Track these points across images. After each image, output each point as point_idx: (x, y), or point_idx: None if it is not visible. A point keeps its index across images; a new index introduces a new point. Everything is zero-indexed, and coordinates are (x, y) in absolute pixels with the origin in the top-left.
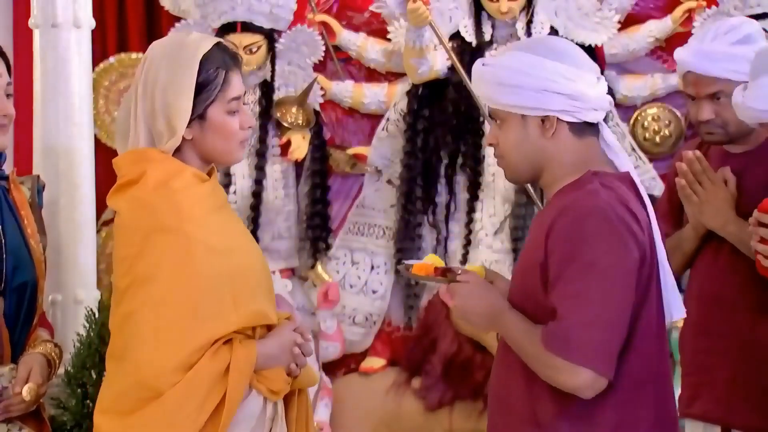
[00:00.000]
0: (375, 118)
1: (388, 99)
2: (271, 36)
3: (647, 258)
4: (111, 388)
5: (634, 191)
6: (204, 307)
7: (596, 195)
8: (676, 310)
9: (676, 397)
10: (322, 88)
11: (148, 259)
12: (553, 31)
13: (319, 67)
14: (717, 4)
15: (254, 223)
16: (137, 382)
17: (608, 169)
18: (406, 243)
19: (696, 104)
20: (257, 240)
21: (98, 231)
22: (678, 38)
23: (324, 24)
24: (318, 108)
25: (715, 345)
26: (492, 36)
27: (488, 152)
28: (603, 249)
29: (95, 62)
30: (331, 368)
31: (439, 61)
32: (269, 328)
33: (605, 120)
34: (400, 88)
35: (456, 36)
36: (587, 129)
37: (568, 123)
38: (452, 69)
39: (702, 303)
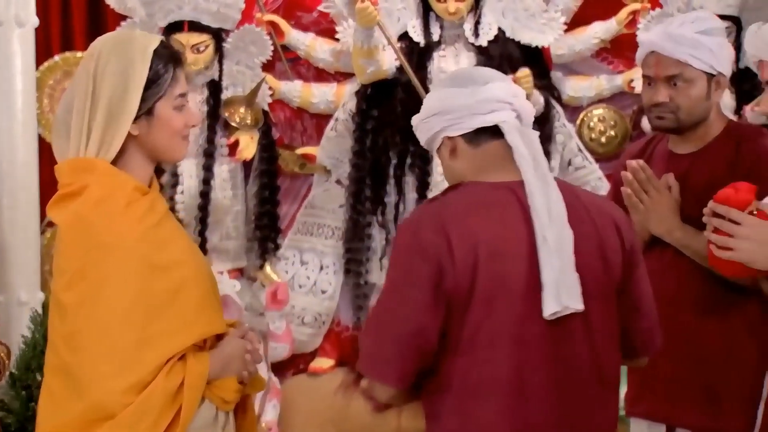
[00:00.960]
0: (324, 118)
1: (336, 99)
2: (218, 35)
3: (466, 277)
4: (56, 411)
5: (517, 199)
6: (153, 327)
7: (417, 211)
8: (568, 299)
9: (622, 396)
10: (270, 88)
11: (92, 278)
12: (501, 32)
13: (268, 66)
14: (661, 6)
15: (202, 224)
16: (89, 405)
17: (505, 175)
18: (355, 243)
19: (652, 87)
20: (205, 240)
21: (42, 232)
22: (623, 40)
23: (272, 24)
24: (266, 108)
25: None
26: (440, 36)
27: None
28: (393, 264)
29: (39, 61)
30: (280, 369)
31: (387, 62)
32: (219, 336)
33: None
34: (349, 88)
35: (404, 36)
36: (483, 135)
37: (461, 136)
38: (401, 69)
39: None
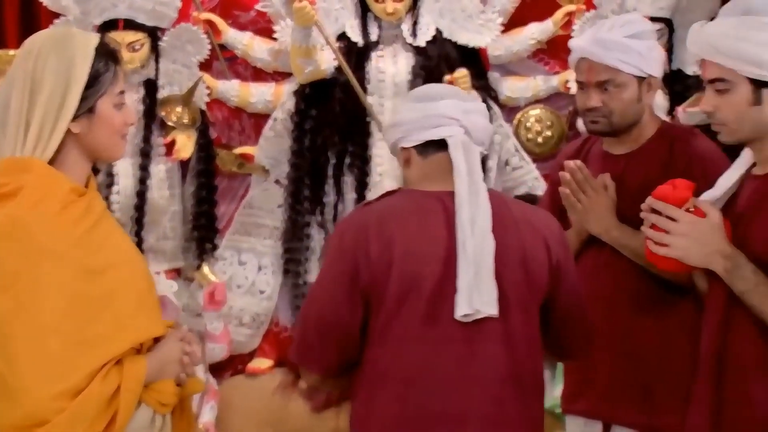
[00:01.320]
0: (262, 118)
1: (275, 98)
2: (154, 34)
3: (378, 274)
4: None
5: (444, 208)
6: (88, 332)
7: (350, 214)
8: (481, 304)
9: (558, 395)
10: (207, 87)
11: (26, 283)
12: (438, 33)
13: (205, 65)
14: (595, 8)
15: (138, 224)
16: (22, 412)
17: (443, 185)
18: (293, 243)
19: (585, 92)
20: (141, 241)
21: None
22: (559, 41)
23: (209, 22)
24: (204, 107)
25: (597, 342)
26: (378, 37)
27: (376, 152)
28: (324, 261)
29: None
30: (217, 370)
31: (325, 61)
32: (157, 338)
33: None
34: (288, 87)
35: (342, 36)
36: (431, 147)
37: (414, 147)
38: (339, 69)
39: None
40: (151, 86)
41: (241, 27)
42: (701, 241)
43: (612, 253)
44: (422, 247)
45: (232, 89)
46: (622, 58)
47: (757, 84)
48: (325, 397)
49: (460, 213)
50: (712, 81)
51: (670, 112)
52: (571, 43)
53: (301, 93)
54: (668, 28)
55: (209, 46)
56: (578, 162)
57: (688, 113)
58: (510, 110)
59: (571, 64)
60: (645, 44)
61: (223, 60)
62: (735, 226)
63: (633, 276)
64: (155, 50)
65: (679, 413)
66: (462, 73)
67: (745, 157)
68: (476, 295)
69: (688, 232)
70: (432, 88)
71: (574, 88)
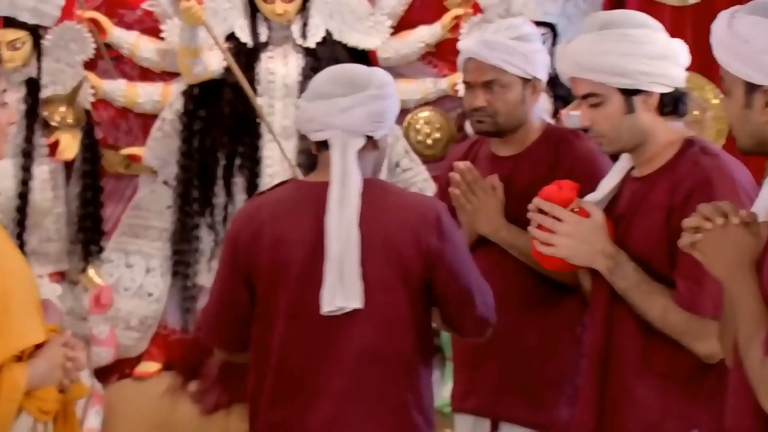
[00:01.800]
0: (150, 118)
1: (163, 98)
2: (36, 32)
3: (253, 260)
4: None
5: (320, 197)
6: None
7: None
8: (345, 300)
9: (448, 394)
10: (92, 87)
11: None
12: (328, 34)
13: (90, 65)
14: (482, 12)
15: (20, 226)
16: None
17: (327, 177)
18: (182, 245)
19: (471, 92)
20: (24, 243)
21: None
22: (447, 44)
23: (94, 21)
24: (89, 107)
25: (486, 341)
26: (268, 37)
27: (266, 153)
28: None
29: None
30: (103, 374)
31: (214, 62)
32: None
33: None
34: (176, 87)
35: (232, 37)
36: (322, 144)
37: (314, 142)
38: (228, 69)
39: None
40: (33, 85)
41: (127, 26)
42: (585, 241)
43: (501, 254)
44: (290, 235)
45: (119, 89)
46: (507, 59)
47: (627, 93)
48: (214, 400)
49: (330, 206)
50: (585, 96)
51: (554, 114)
52: (459, 44)
53: (189, 93)
54: (553, 33)
55: (94, 45)
56: (467, 163)
57: (572, 116)
58: (400, 112)
59: (459, 65)
60: (530, 47)
61: (109, 59)
62: (616, 226)
63: (521, 275)
64: (37, 49)
65: (565, 409)
66: None
67: (624, 161)
68: (340, 292)
69: (572, 232)
70: (317, 85)
71: (462, 90)
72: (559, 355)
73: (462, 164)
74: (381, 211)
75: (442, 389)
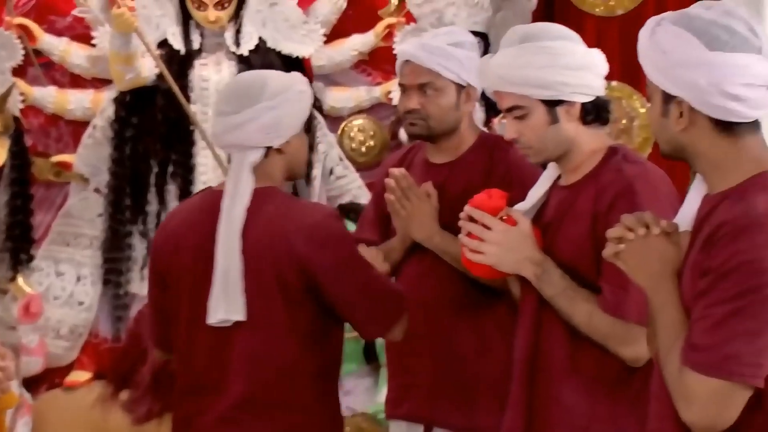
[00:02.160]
0: (81, 125)
1: (94, 105)
2: None
3: (164, 265)
4: None
5: (215, 207)
6: None
7: None
8: (227, 313)
9: (382, 400)
10: (22, 93)
11: None
12: (262, 42)
13: (19, 71)
14: (415, 21)
15: None
16: None
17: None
18: (114, 253)
19: (406, 95)
20: None
21: None
22: (380, 52)
23: (23, 27)
24: (18, 114)
25: (419, 347)
26: (201, 44)
27: (199, 161)
28: None
29: None
30: (33, 383)
31: (146, 68)
32: None
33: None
34: (107, 94)
35: (164, 43)
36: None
37: None
38: (161, 76)
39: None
40: None
41: (58, 32)
42: (512, 249)
43: (434, 260)
44: (190, 243)
45: (49, 96)
46: (442, 63)
47: (550, 104)
48: (146, 409)
49: (221, 218)
50: (509, 109)
51: (487, 123)
52: (397, 48)
53: (121, 100)
54: (484, 42)
55: (23, 52)
56: (402, 170)
57: (504, 125)
58: (334, 120)
59: (397, 69)
60: (465, 53)
61: (38, 66)
62: (544, 234)
63: (455, 282)
64: None
65: (497, 414)
66: None
67: (552, 170)
68: (223, 304)
69: (500, 240)
70: (217, 102)
71: (396, 98)
72: (493, 360)
73: (397, 171)
74: (265, 221)
75: (377, 396)
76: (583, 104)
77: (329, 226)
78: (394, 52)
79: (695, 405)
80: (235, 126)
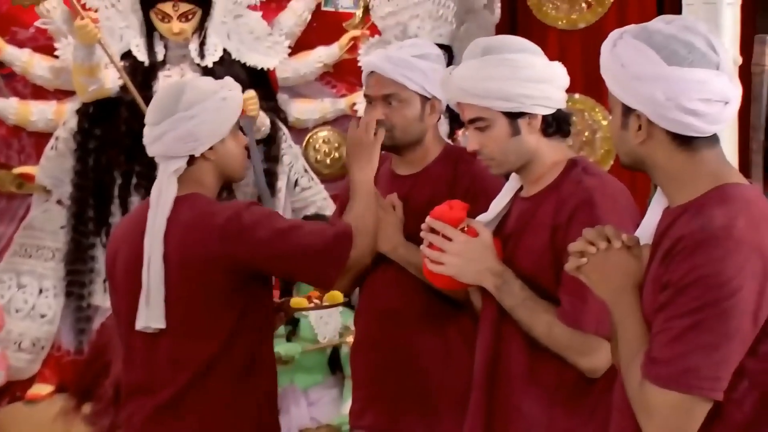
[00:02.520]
0: (43, 137)
1: (56, 117)
2: None
3: (108, 272)
4: None
5: (143, 212)
6: None
7: None
8: (148, 320)
9: (347, 412)
10: None
11: None
12: (226, 54)
13: None
14: (380, 34)
15: None
16: None
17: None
18: (77, 265)
19: (371, 106)
20: None
21: None
22: (345, 64)
23: None
24: None
25: (384, 358)
26: (165, 56)
27: None
28: None
29: None
30: None
31: (110, 80)
32: None
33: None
34: (70, 106)
35: (128, 55)
36: None
37: None
38: (124, 88)
39: (371, 319)
40: None
41: (20, 44)
42: (473, 260)
43: (399, 271)
44: (124, 251)
45: (10, 107)
46: (407, 75)
47: (512, 116)
48: (108, 422)
49: (146, 229)
50: (472, 121)
51: (451, 135)
52: (363, 60)
53: (84, 112)
54: (448, 55)
55: None
56: None
57: (468, 136)
58: (299, 132)
59: (363, 81)
60: (429, 65)
61: (0, 77)
62: (505, 245)
63: (419, 292)
64: None
65: (462, 424)
66: (250, 94)
67: (514, 181)
68: (146, 312)
69: (460, 251)
70: (146, 115)
71: (360, 110)
72: (457, 371)
73: None
74: (182, 228)
75: (341, 407)
76: (545, 116)
77: (237, 218)
78: (359, 64)
79: (655, 418)
80: (156, 137)
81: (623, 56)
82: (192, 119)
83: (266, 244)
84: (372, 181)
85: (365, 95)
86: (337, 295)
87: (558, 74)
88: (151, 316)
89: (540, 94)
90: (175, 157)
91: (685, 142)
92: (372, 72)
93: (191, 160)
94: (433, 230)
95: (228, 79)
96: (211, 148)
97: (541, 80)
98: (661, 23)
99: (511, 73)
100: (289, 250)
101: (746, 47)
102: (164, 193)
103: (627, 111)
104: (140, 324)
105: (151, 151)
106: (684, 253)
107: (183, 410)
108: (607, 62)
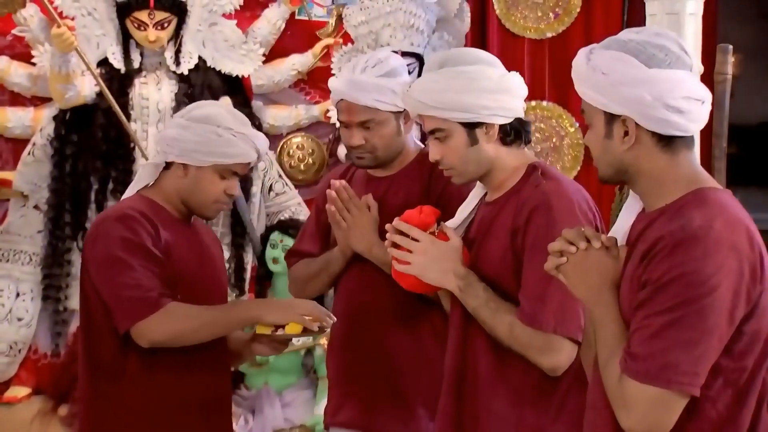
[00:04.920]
0: (20, 143)
1: (34, 123)
2: None
3: None
4: None
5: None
6: None
7: None
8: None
9: (321, 412)
10: None
11: None
12: (202, 61)
13: None
14: (353, 42)
15: None
16: None
17: None
18: (54, 269)
19: (348, 131)
20: None
21: None
22: (318, 72)
23: None
24: None
25: (358, 356)
26: (141, 63)
27: None
28: None
29: None
30: None
31: (87, 87)
32: None
33: None
34: (47, 112)
35: (105, 62)
36: None
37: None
38: (101, 94)
39: (347, 318)
40: None
41: None
42: (437, 261)
43: (374, 271)
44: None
45: None
46: (378, 98)
47: (470, 126)
48: None
49: None
50: (432, 132)
51: (422, 139)
52: (331, 84)
53: (61, 118)
54: (420, 63)
55: None
56: (343, 182)
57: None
58: (273, 138)
59: (332, 102)
60: (398, 81)
61: None
62: (469, 249)
63: (395, 292)
64: None
65: (432, 418)
66: (226, 101)
67: (479, 188)
68: None
69: (426, 252)
70: None
71: (334, 117)
72: (430, 369)
73: (338, 183)
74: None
75: (315, 408)
76: (503, 126)
77: (101, 224)
78: (332, 71)
79: (634, 412)
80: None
81: (602, 66)
82: (181, 128)
83: (103, 260)
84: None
85: (339, 120)
86: (296, 327)
87: (515, 84)
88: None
89: (496, 105)
90: (161, 153)
91: (668, 143)
92: (342, 99)
93: (168, 165)
94: (402, 233)
95: (256, 133)
96: (185, 167)
97: (497, 91)
98: (631, 33)
99: (468, 85)
100: (114, 279)
101: (708, 56)
102: (136, 179)
103: (610, 119)
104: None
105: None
106: (664, 253)
107: (85, 415)
108: (584, 74)
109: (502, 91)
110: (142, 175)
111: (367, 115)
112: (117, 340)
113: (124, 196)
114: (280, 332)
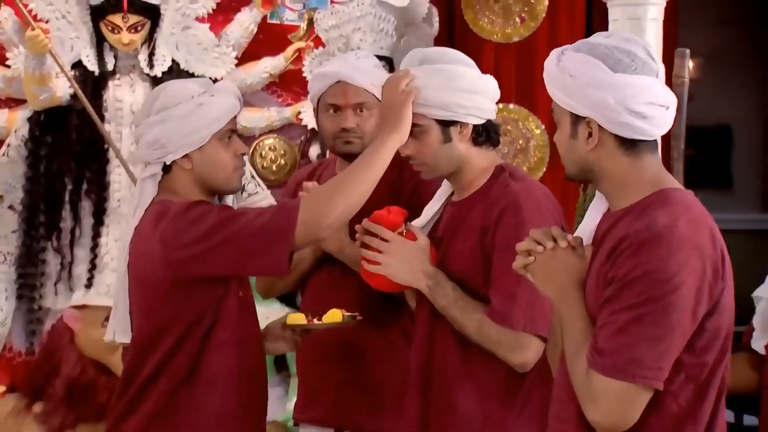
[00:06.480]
0: None
1: (8, 124)
2: None
3: None
4: None
5: None
6: None
7: None
8: (115, 335)
9: (292, 408)
10: None
11: None
12: (175, 64)
13: None
14: (324, 46)
15: None
16: None
17: None
18: (29, 269)
19: (340, 115)
20: None
21: None
22: (290, 75)
23: None
24: None
25: (328, 353)
26: (115, 66)
27: (114, 178)
28: None
29: None
30: None
31: (61, 89)
32: None
33: None
34: (22, 114)
35: (79, 64)
36: None
37: None
38: (75, 96)
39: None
40: None
41: None
42: (407, 261)
43: (344, 270)
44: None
45: None
46: (373, 83)
47: (444, 124)
48: (59, 421)
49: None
50: None
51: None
52: (325, 70)
53: (35, 120)
54: (389, 66)
55: None
56: (315, 183)
57: None
58: (246, 139)
59: (318, 91)
60: (384, 75)
61: None
62: (437, 248)
63: (365, 290)
64: None
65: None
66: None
67: (446, 187)
68: (114, 326)
69: (396, 252)
70: None
71: (306, 119)
72: (399, 365)
73: (310, 183)
74: (137, 236)
75: (287, 404)
76: (475, 126)
77: (173, 220)
78: (304, 74)
79: (600, 406)
80: (135, 140)
81: (571, 68)
82: (160, 124)
83: (201, 240)
84: (387, 154)
85: (330, 104)
86: (336, 315)
87: (490, 86)
88: (117, 329)
89: (472, 105)
90: (150, 162)
91: (631, 147)
92: (339, 81)
93: (167, 167)
94: (371, 234)
95: (219, 83)
96: (187, 156)
97: (473, 91)
98: (601, 38)
99: (447, 83)
100: (224, 240)
101: (668, 60)
102: (139, 198)
103: (576, 120)
104: (108, 337)
105: (133, 156)
106: (629, 251)
107: (124, 425)
108: (554, 76)
109: (478, 92)
110: (143, 192)
111: (362, 97)
112: (195, 347)
113: (130, 225)
114: (315, 322)
